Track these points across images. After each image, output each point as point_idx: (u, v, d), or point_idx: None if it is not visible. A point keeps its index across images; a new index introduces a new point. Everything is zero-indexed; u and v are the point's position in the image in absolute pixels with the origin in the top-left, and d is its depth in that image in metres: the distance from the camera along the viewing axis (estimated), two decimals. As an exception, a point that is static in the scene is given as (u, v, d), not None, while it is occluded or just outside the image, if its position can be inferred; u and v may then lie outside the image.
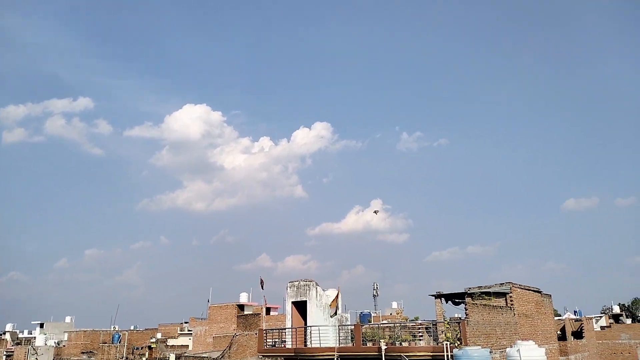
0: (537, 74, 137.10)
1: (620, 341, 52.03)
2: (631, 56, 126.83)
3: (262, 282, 27.53)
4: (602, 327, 57.10)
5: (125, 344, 48.67)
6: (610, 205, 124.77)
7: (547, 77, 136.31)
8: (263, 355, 24.79)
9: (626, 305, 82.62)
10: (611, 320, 63.83)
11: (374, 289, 58.73)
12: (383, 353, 11.30)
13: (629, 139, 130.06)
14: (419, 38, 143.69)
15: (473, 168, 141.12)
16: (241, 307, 43.49)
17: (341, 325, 24.84)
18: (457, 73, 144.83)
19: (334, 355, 19.42)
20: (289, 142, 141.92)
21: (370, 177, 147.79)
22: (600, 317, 66.08)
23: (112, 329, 55.91)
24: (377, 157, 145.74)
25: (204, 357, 33.57)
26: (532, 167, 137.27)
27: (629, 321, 64.82)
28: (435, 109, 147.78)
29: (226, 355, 33.18)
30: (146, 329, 63.19)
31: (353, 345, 22.55)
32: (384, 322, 33.01)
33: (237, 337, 34.70)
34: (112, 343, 50.22)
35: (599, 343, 48.19)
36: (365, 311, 36.49)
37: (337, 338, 23.76)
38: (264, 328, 27.57)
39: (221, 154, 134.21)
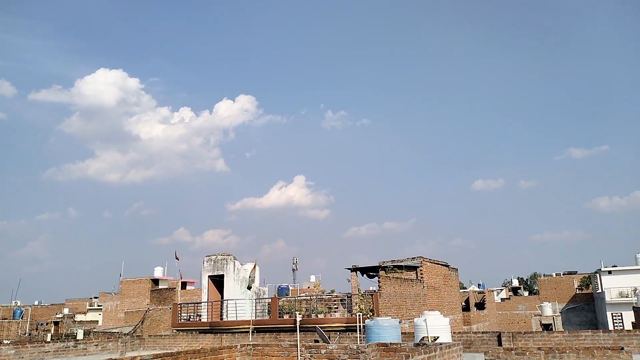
0: (452, 63, 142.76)
1: (517, 312, 56.75)
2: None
3: (176, 254, 26.86)
4: (502, 299, 61.84)
5: (29, 320, 45.84)
6: (515, 187, 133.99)
7: (462, 66, 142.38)
8: (177, 330, 24.31)
9: (525, 279, 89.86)
10: (510, 293, 69.23)
11: (293, 263, 59.31)
12: (298, 325, 11.42)
13: (532, 125, 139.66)
14: (347, 17, 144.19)
15: (392, 148, 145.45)
16: (155, 281, 42.34)
17: (258, 299, 24.91)
18: (382, 56, 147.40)
19: (249, 327, 19.42)
20: (211, 113, 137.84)
21: (294, 153, 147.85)
22: (501, 289, 71.53)
23: (14, 304, 52.39)
24: (301, 133, 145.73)
25: (115, 332, 32.37)
26: (445, 148, 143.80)
27: (526, 294, 70.60)
28: (359, 90, 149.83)
29: (138, 330, 32.23)
30: (52, 305, 60.12)
31: (270, 318, 22.70)
32: (302, 295, 33.48)
33: (150, 311, 33.80)
34: (14, 319, 47.12)
35: (498, 313, 52.26)
36: (284, 285, 36.77)
37: (254, 311, 23.82)
38: (178, 302, 27.03)
39: (137, 123, 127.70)
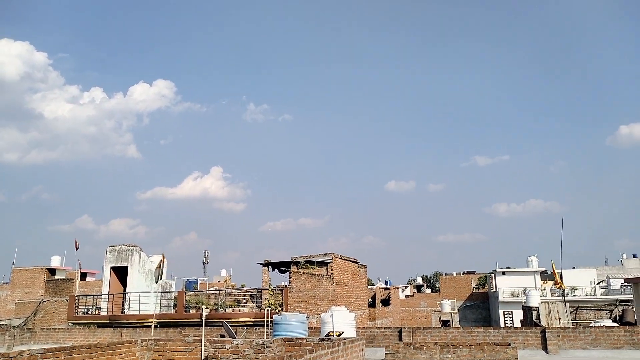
0: (373, 64, 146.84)
1: (419, 308, 59.57)
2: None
3: (76, 243, 25.32)
4: (406, 296, 64.60)
5: None
6: (424, 190, 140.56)
7: (383, 69, 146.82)
8: (73, 323, 22.89)
9: (428, 277, 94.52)
10: (414, 290, 72.51)
11: (204, 257, 58.06)
12: (204, 319, 11.17)
13: (443, 132, 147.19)
14: (273, 6, 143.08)
15: (311, 145, 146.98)
16: (52, 271, 39.60)
17: (164, 292, 24.09)
18: (308, 52, 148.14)
19: (152, 322, 18.70)
20: (125, 96, 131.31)
21: (212, 144, 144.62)
22: (407, 287, 74.67)
23: None
24: (221, 124, 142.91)
25: (3, 324, 29.86)
26: (362, 148, 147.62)
27: (428, 291, 74.28)
28: (284, 85, 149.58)
29: (30, 322, 29.98)
30: None
31: (176, 312, 22.03)
32: (211, 289, 32.83)
33: (44, 303, 31.57)
34: None
35: (402, 309, 54.53)
36: (192, 278, 35.82)
37: (159, 305, 23.01)
38: (76, 294, 25.48)
39: (42, 100, 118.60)
